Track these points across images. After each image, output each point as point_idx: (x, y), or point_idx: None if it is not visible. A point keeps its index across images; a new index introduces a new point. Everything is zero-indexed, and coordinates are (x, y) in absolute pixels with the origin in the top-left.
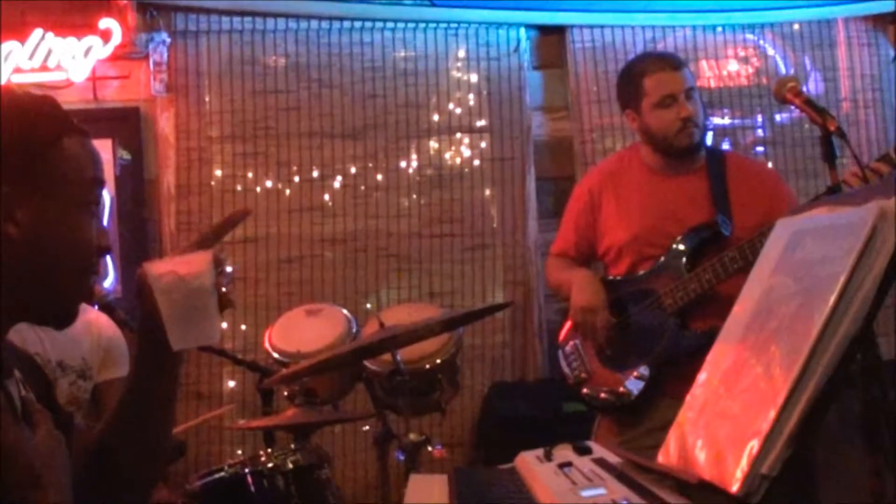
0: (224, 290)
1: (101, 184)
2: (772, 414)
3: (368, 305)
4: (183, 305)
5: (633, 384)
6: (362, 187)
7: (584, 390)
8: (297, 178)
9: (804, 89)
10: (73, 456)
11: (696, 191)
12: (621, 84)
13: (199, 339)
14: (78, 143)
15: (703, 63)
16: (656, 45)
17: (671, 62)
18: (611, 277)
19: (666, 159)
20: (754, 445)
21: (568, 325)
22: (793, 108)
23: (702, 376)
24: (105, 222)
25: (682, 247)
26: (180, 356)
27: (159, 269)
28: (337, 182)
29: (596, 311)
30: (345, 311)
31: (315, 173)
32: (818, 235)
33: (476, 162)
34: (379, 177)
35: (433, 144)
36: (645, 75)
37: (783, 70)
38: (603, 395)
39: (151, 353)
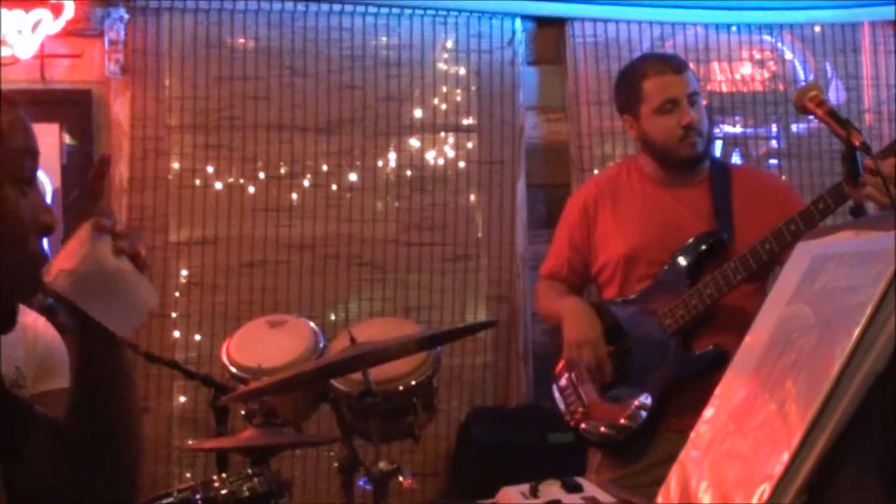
0: (128, 250)
1: (34, 154)
2: (785, 456)
3: (337, 318)
4: (97, 295)
5: (636, 415)
6: (335, 187)
7: (583, 426)
8: (262, 175)
9: (827, 99)
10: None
11: (698, 205)
12: (619, 87)
13: (138, 315)
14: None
15: (715, 65)
16: (664, 43)
17: (673, 64)
18: (605, 301)
19: (666, 170)
20: (765, 490)
21: (563, 360)
22: (811, 118)
23: (708, 412)
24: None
25: (681, 261)
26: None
27: (49, 275)
28: (307, 180)
29: (591, 344)
30: (311, 324)
31: (283, 170)
32: (842, 262)
33: (461, 164)
34: (353, 176)
35: (415, 143)
36: (644, 78)
37: (801, 76)
38: (603, 429)
39: (91, 346)
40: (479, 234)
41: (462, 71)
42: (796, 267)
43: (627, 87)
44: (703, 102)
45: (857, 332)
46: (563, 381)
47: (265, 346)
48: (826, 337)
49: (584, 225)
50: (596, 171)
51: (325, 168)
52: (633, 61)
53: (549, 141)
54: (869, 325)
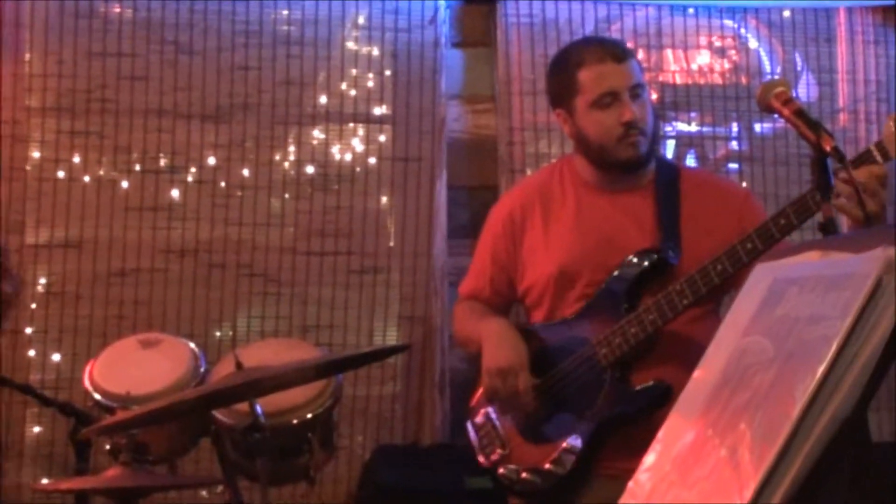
0: None
1: None
2: None
3: (222, 338)
4: None
5: (562, 459)
6: (223, 184)
7: (501, 470)
8: (138, 168)
9: (795, 96)
10: None
11: (641, 212)
12: (551, 76)
13: None
14: None
15: (668, 52)
16: (610, 26)
17: (614, 51)
18: (533, 325)
19: (604, 174)
20: None
21: (480, 391)
22: (778, 117)
23: (649, 457)
24: None
25: (619, 281)
26: None
27: None
28: (190, 175)
29: (514, 373)
30: (191, 345)
31: (162, 162)
32: (806, 287)
33: (372, 160)
34: (245, 172)
35: (318, 135)
36: (580, 66)
37: (767, 67)
38: (525, 475)
39: None
40: (391, 243)
41: (375, 52)
42: (754, 292)
43: (560, 76)
44: (653, 96)
45: (821, 369)
46: (479, 417)
47: (136, 369)
48: (786, 373)
49: (510, 238)
50: (529, 172)
51: (212, 161)
52: (567, 46)
53: (475, 136)
54: (835, 361)
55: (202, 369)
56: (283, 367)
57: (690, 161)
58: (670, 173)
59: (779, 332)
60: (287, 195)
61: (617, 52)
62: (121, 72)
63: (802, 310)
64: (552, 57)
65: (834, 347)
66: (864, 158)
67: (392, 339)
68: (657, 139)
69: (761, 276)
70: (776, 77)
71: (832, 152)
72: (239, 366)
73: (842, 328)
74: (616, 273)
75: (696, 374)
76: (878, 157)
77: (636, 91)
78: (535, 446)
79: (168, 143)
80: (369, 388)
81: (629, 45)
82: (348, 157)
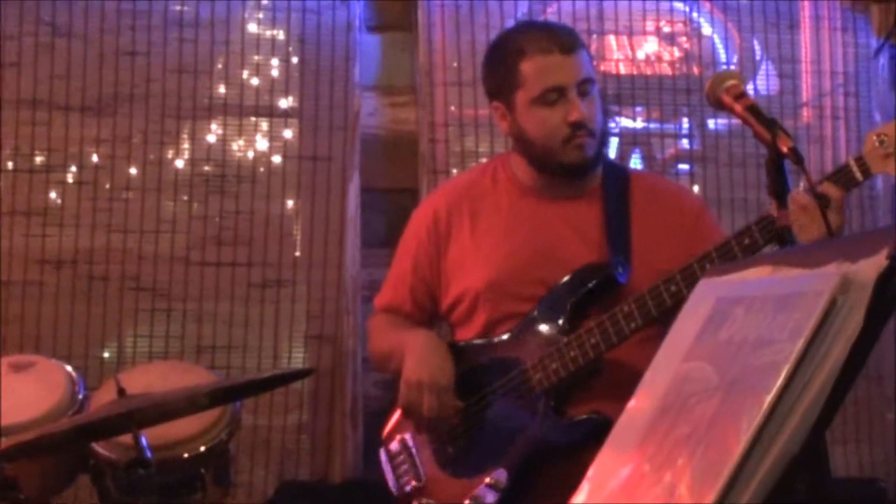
0: None
1: None
2: None
3: (103, 360)
4: None
5: (483, 496)
6: (106, 185)
7: None
8: (10, 165)
9: (748, 90)
10: None
11: (586, 222)
12: (489, 64)
13: None
14: None
15: (611, 39)
16: (546, 9)
17: (561, 41)
18: (459, 343)
19: (546, 178)
20: None
21: (396, 414)
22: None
23: (580, 496)
24: None
25: (559, 299)
26: None
27: None
28: (70, 175)
29: (436, 389)
30: (68, 368)
31: (38, 160)
32: (754, 307)
33: (276, 159)
34: (132, 170)
35: (215, 129)
36: (523, 57)
37: (722, 56)
38: None
39: None
40: (297, 253)
41: (280, 36)
42: (696, 311)
43: (500, 65)
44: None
45: (768, 399)
46: (394, 444)
47: (5, 395)
48: (730, 404)
49: (433, 246)
50: (454, 173)
51: (94, 159)
52: (509, 31)
53: (394, 132)
54: (783, 391)
55: (80, 396)
56: (172, 393)
57: (636, 162)
58: (619, 178)
59: (723, 358)
60: (180, 198)
61: (565, 42)
62: None
63: (749, 332)
64: (491, 42)
65: (783, 375)
66: (842, 173)
67: (298, 361)
68: (606, 141)
69: (705, 294)
70: (729, 68)
71: (789, 154)
72: (122, 392)
73: (791, 353)
74: (555, 289)
75: (632, 403)
76: (858, 174)
77: (585, 87)
78: (455, 479)
79: (44, 139)
80: (272, 417)
81: None
82: (249, 155)
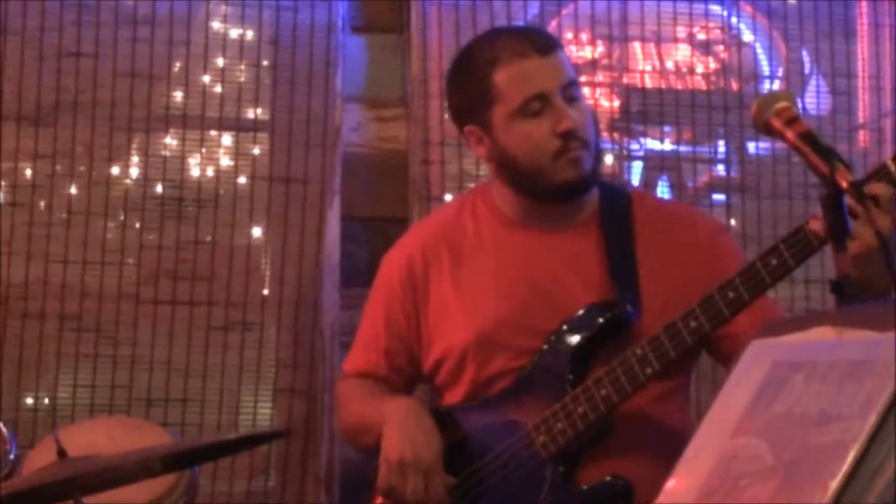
0: None
1: None
2: None
3: (37, 413)
4: None
5: None
6: (44, 207)
7: None
8: None
9: (802, 111)
10: None
11: (584, 255)
12: (455, 83)
13: None
14: None
15: (637, 47)
16: (560, 10)
17: (537, 42)
18: (447, 407)
19: (535, 205)
20: None
21: (378, 500)
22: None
23: None
24: None
25: (560, 347)
26: None
27: None
28: (0, 195)
29: (422, 468)
30: None
31: None
32: (816, 375)
33: (242, 180)
34: (74, 191)
35: (171, 144)
36: (495, 66)
37: (766, 69)
38: None
39: None
40: (266, 291)
41: (250, 35)
42: (748, 377)
43: (468, 82)
44: (615, 104)
45: (833, 485)
46: None
47: None
48: (789, 489)
49: (409, 298)
50: (449, 199)
51: (28, 175)
52: (471, 43)
53: (380, 151)
54: (851, 477)
55: (12, 456)
56: (121, 456)
57: (662, 190)
58: (619, 201)
59: (779, 434)
60: (129, 224)
61: (540, 43)
62: None
63: (810, 405)
64: (454, 58)
65: (851, 457)
66: (879, 175)
67: (265, 418)
68: (600, 154)
69: (757, 357)
70: (778, 86)
71: (850, 190)
72: (62, 453)
73: (862, 431)
74: (555, 337)
75: (672, 484)
76: None
77: (570, 91)
78: None
79: None
80: (233, 482)
81: (584, 34)
82: (210, 173)
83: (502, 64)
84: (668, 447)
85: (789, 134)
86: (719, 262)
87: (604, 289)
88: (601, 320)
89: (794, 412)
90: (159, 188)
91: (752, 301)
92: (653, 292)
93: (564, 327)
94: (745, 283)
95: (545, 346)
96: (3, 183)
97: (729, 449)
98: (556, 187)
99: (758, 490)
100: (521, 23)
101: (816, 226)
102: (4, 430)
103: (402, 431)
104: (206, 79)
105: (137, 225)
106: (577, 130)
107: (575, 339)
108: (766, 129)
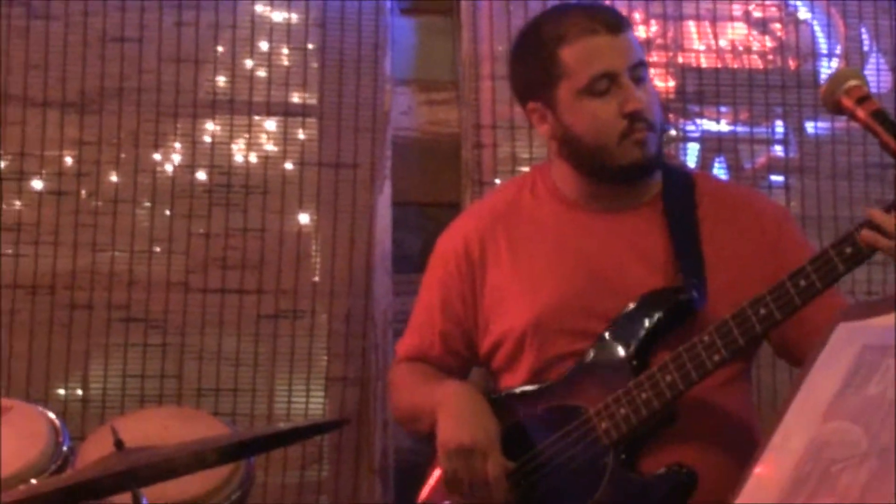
0: None
1: None
2: None
3: (87, 403)
4: None
5: None
6: (91, 196)
7: None
8: None
9: (871, 91)
10: None
11: (647, 238)
12: (520, 59)
13: None
14: None
15: (691, 25)
16: None
17: (606, 20)
18: (504, 392)
19: (597, 186)
20: None
21: (435, 476)
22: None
23: None
24: None
25: (623, 333)
26: None
27: None
28: (39, 181)
29: (480, 453)
30: (50, 415)
31: (8, 165)
32: None
33: (289, 166)
34: (119, 178)
35: (218, 130)
36: (562, 42)
37: (823, 47)
38: None
39: None
40: (316, 278)
41: (295, 19)
42: (836, 361)
43: (534, 58)
44: (671, 84)
45: None
46: None
47: None
48: (885, 473)
49: (466, 280)
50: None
51: (68, 162)
52: (539, 17)
53: (431, 134)
54: None
55: (65, 448)
56: (178, 447)
57: (719, 171)
58: (682, 183)
59: (872, 418)
60: (177, 212)
61: (610, 21)
62: None
63: None
64: (518, 33)
65: None
66: None
67: (317, 407)
68: (665, 137)
69: (846, 341)
70: (834, 66)
71: None
72: (119, 445)
73: None
74: (618, 321)
75: (760, 470)
76: None
77: (638, 71)
78: None
79: (16, 140)
80: (286, 473)
81: (638, 14)
82: (256, 160)
83: (570, 40)
84: (731, 435)
85: (860, 112)
86: (785, 249)
87: (669, 273)
88: (667, 306)
89: (889, 395)
90: (207, 176)
91: (825, 290)
92: (718, 278)
93: (628, 312)
94: (818, 271)
95: (608, 331)
96: (48, 171)
97: (821, 434)
98: (620, 168)
99: (851, 475)
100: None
101: None
102: (58, 421)
103: (458, 417)
104: (250, 63)
105: (185, 213)
106: (644, 112)
107: (639, 324)
108: (836, 108)
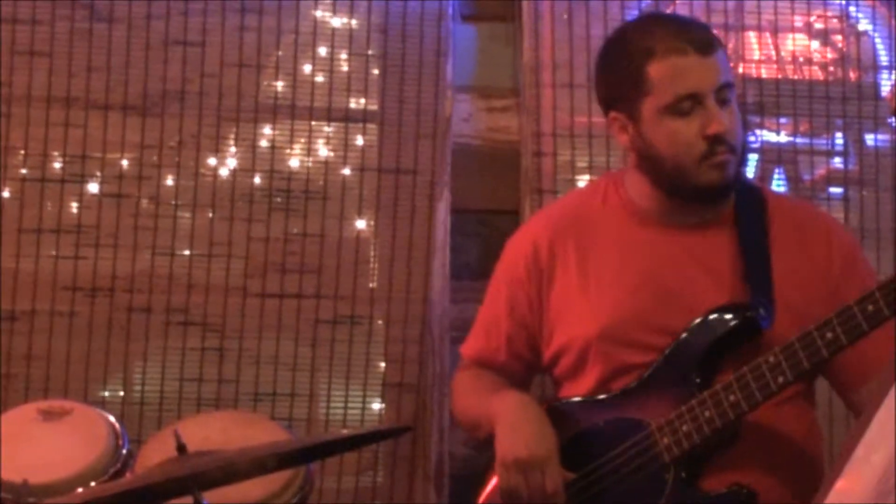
0: None
1: None
2: None
3: (144, 406)
4: None
5: None
6: (145, 201)
7: None
8: (24, 172)
9: None
10: None
11: (717, 255)
12: (607, 66)
13: None
14: None
15: (752, 36)
16: (675, 2)
17: (698, 39)
18: (565, 401)
19: (673, 201)
20: None
21: (492, 483)
22: None
23: None
24: None
25: (688, 348)
26: None
27: None
28: (94, 183)
29: (539, 466)
30: (110, 418)
31: (70, 168)
32: None
33: (348, 171)
34: (182, 182)
35: (279, 135)
36: (651, 57)
37: (884, 59)
38: None
39: None
40: (374, 284)
41: (356, 24)
42: None
43: (621, 68)
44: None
45: None
46: None
47: (35, 449)
48: None
49: (533, 284)
50: (561, 193)
51: (125, 165)
52: (632, 27)
53: (491, 142)
54: None
55: (124, 451)
56: (241, 451)
57: (778, 183)
58: (754, 201)
59: None
60: (237, 216)
61: (701, 41)
62: (15, 45)
63: None
64: (608, 39)
65: None
66: None
67: (374, 413)
68: (745, 158)
69: None
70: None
71: None
72: (182, 448)
73: None
74: (685, 336)
75: (841, 484)
76: None
77: (724, 93)
78: None
79: (78, 143)
80: (341, 479)
81: None
82: (315, 165)
83: (659, 57)
84: (792, 456)
85: None
86: (852, 281)
87: (737, 290)
88: (733, 323)
89: None
90: (267, 180)
91: (892, 316)
92: (786, 298)
93: (694, 327)
94: (886, 298)
95: (673, 346)
96: (108, 174)
97: None
98: (697, 189)
99: None
100: (635, 11)
101: None
102: (118, 425)
103: (515, 429)
104: (308, 69)
105: (245, 217)
106: (727, 135)
107: (705, 340)
108: None
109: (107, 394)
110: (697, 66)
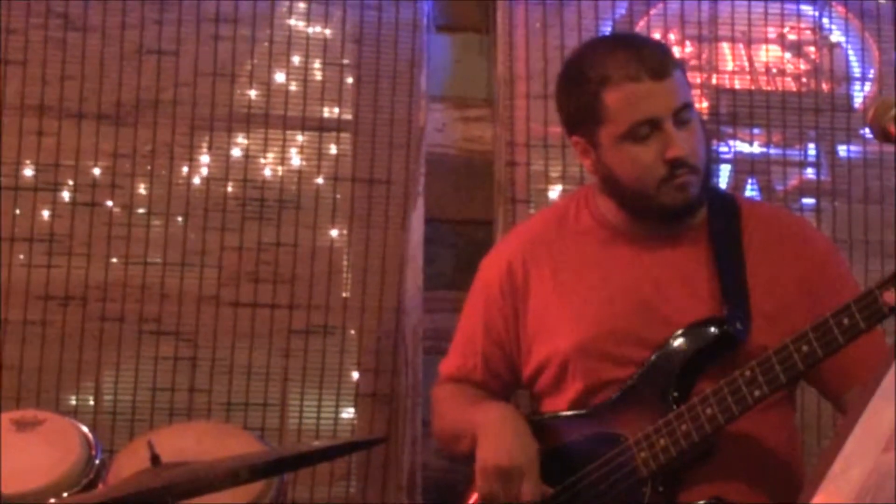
0: None
1: None
2: None
3: (116, 416)
4: None
5: None
6: (118, 210)
7: None
8: (10, 182)
9: None
10: None
11: (692, 267)
12: (565, 92)
13: None
14: None
15: (725, 47)
16: (649, 10)
17: (652, 65)
18: (545, 415)
19: (642, 220)
20: None
21: (472, 499)
22: (872, 140)
23: None
24: None
25: (665, 362)
26: None
27: None
28: (66, 192)
29: (518, 475)
30: (83, 428)
31: (43, 176)
32: None
33: (321, 180)
34: (153, 190)
35: (253, 144)
36: (605, 86)
37: (857, 71)
38: None
39: None
40: (347, 294)
41: (330, 33)
42: None
43: (578, 95)
44: (704, 105)
45: None
46: None
47: (7, 459)
48: None
49: (509, 303)
50: (534, 204)
51: (97, 173)
52: (587, 52)
53: (465, 151)
54: None
55: (97, 461)
56: (216, 464)
57: (751, 192)
58: (727, 210)
59: None
60: (210, 225)
61: (656, 65)
62: None
63: None
64: (565, 63)
65: None
66: None
67: (346, 423)
68: (711, 172)
69: None
70: (867, 89)
71: None
72: (155, 460)
73: None
74: (662, 351)
75: (819, 499)
76: None
77: (683, 115)
78: None
79: (51, 151)
80: (314, 489)
81: (672, 35)
82: (289, 174)
83: (613, 84)
84: (770, 468)
85: None
86: (830, 285)
87: (713, 303)
88: (710, 338)
89: None
90: (241, 189)
91: (869, 329)
92: (762, 309)
93: (671, 341)
94: (863, 311)
95: (650, 360)
96: (81, 183)
97: (882, 465)
98: (662, 210)
99: None
100: (609, 22)
101: None
102: (91, 435)
103: (498, 438)
104: (281, 77)
105: (218, 226)
106: (687, 157)
107: (682, 355)
108: (882, 135)
109: (79, 403)
110: (652, 91)
